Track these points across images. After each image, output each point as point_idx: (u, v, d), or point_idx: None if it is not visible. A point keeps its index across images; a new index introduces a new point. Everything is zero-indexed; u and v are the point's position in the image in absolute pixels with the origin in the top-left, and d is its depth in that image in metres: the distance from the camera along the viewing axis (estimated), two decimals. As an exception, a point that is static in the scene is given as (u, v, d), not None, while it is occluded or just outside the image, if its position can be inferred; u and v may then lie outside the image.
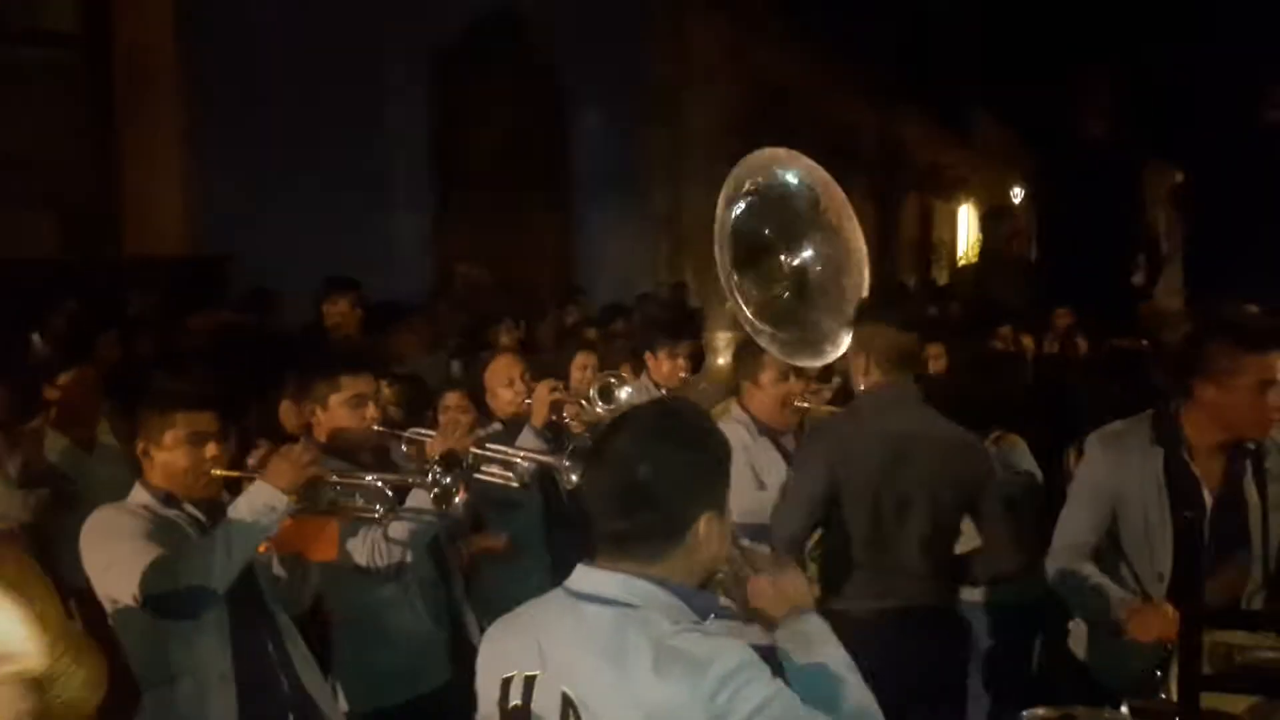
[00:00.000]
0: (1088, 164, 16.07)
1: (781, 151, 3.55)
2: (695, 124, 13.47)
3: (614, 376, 3.74)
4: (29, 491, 4.00)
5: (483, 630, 3.30)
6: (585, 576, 1.75)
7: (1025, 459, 3.99)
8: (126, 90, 7.43)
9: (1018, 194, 24.27)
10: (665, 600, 1.69)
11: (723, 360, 3.99)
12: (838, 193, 3.52)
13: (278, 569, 2.79)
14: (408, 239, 9.11)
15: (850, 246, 3.47)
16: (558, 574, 3.61)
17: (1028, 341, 6.70)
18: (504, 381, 3.88)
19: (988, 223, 23.86)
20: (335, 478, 2.73)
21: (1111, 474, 2.84)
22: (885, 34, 15.68)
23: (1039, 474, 3.99)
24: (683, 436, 1.74)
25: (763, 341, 3.32)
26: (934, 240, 22.25)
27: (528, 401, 3.75)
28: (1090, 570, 2.79)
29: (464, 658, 3.19)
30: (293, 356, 5.10)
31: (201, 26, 7.38)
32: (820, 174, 3.50)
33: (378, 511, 2.76)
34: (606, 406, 3.66)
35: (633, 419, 1.79)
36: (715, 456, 1.77)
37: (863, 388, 3.13)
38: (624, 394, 3.69)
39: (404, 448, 3.28)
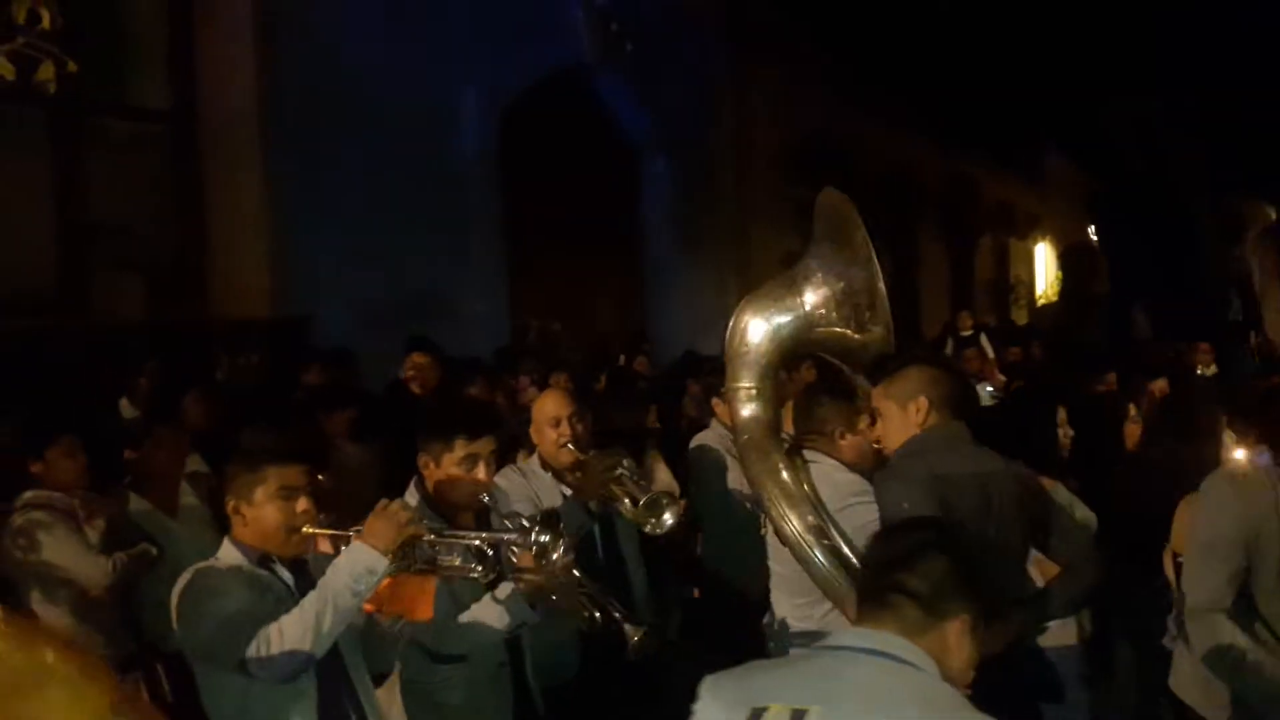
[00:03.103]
0: (1162, 199, 15.73)
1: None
2: (762, 172, 13.53)
3: (666, 496, 3.59)
4: (111, 556, 4.03)
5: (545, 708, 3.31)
6: (861, 636, 1.96)
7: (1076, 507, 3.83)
8: (213, 160, 7.71)
9: (1094, 231, 23.80)
10: (935, 670, 1.90)
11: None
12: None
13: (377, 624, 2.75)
14: (482, 295, 9.25)
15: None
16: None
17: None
18: (550, 420, 3.72)
19: (1066, 261, 23.44)
20: (431, 535, 2.68)
21: (1242, 520, 2.71)
22: (950, 74, 15.63)
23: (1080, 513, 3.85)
24: (962, 550, 2.04)
25: None
26: (1011, 280, 21.90)
27: (569, 448, 3.65)
28: (1242, 642, 2.66)
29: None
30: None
31: (284, 100, 7.65)
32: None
33: (477, 570, 2.70)
34: (654, 520, 3.51)
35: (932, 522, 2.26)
36: (981, 583, 2.03)
37: (918, 431, 3.03)
38: (668, 517, 3.53)
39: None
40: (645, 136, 12.05)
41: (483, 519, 3.19)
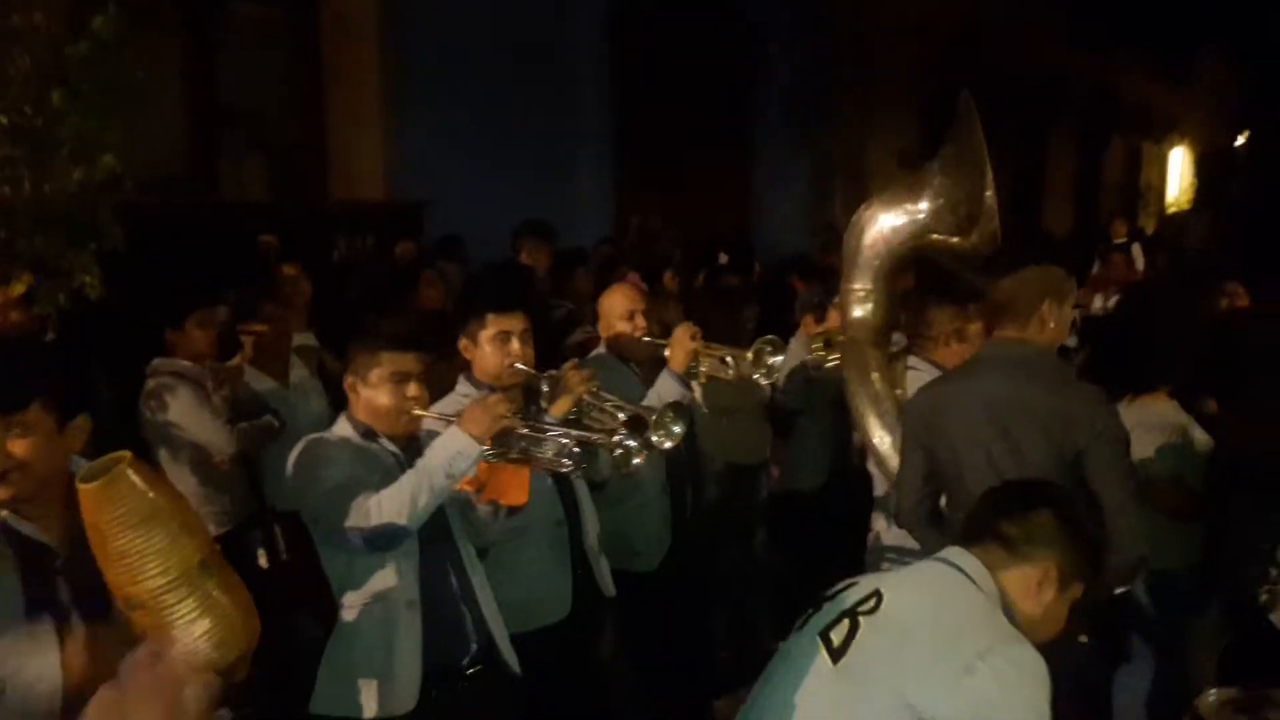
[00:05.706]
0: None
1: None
2: (884, 63, 13.04)
3: (769, 343, 3.60)
4: (235, 424, 4.27)
5: (616, 575, 3.40)
6: (957, 554, 2.13)
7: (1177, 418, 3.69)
8: (333, 48, 7.87)
9: (1241, 138, 22.31)
10: (996, 596, 2.04)
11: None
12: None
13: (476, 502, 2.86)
14: (590, 187, 9.31)
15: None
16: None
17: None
18: (622, 314, 3.74)
19: (1203, 167, 22.12)
20: (525, 429, 2.78)
21: None
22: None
23: (1197, 435, 3.69)
24: (1074, 515, 2.15)
25: None
26: (1140, 186, 20.82)
27: (646, 339, 3.69)
28: None
29: (585, 599, 3.31)
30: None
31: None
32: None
33: (567, 465, 2.82)
34: (759, 369, 3.56)
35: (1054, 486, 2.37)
36: (1085, 544, 2.13)
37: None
38: (775, 360, 3.58)
39: (544, 387, 3.17)
40: (763, 16, 11.64)
41: (530, 394, 3.22)
